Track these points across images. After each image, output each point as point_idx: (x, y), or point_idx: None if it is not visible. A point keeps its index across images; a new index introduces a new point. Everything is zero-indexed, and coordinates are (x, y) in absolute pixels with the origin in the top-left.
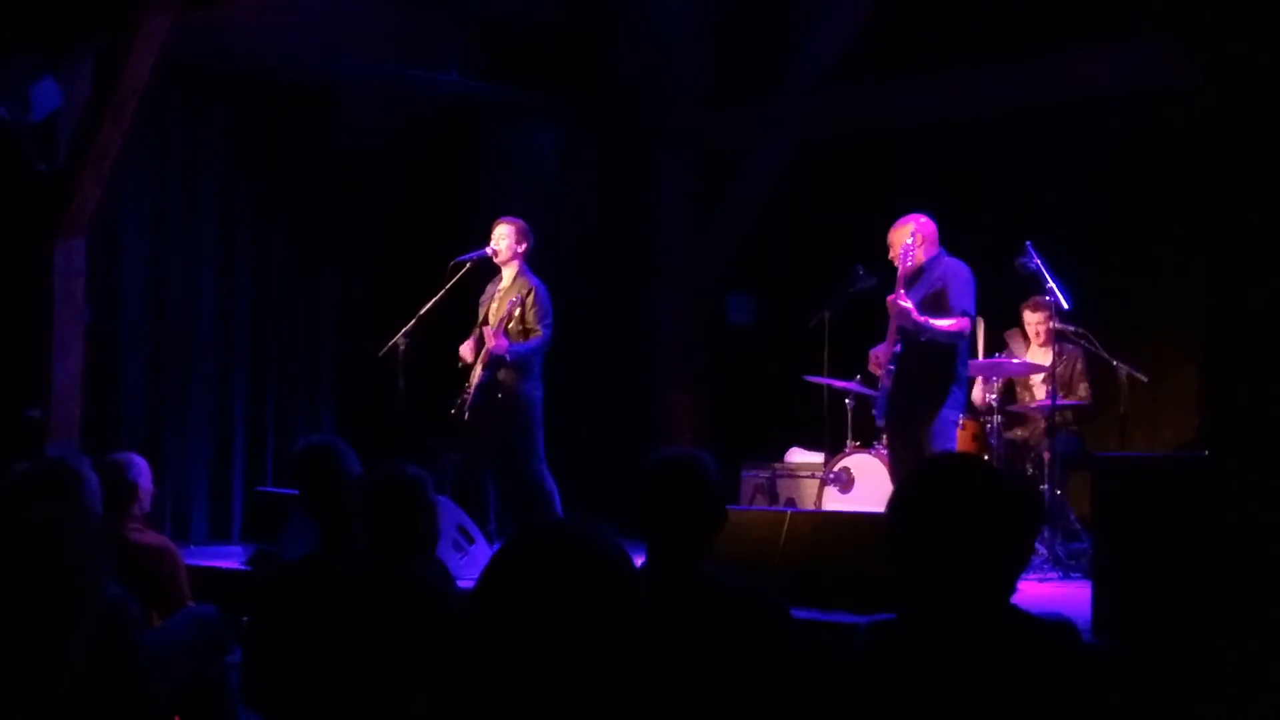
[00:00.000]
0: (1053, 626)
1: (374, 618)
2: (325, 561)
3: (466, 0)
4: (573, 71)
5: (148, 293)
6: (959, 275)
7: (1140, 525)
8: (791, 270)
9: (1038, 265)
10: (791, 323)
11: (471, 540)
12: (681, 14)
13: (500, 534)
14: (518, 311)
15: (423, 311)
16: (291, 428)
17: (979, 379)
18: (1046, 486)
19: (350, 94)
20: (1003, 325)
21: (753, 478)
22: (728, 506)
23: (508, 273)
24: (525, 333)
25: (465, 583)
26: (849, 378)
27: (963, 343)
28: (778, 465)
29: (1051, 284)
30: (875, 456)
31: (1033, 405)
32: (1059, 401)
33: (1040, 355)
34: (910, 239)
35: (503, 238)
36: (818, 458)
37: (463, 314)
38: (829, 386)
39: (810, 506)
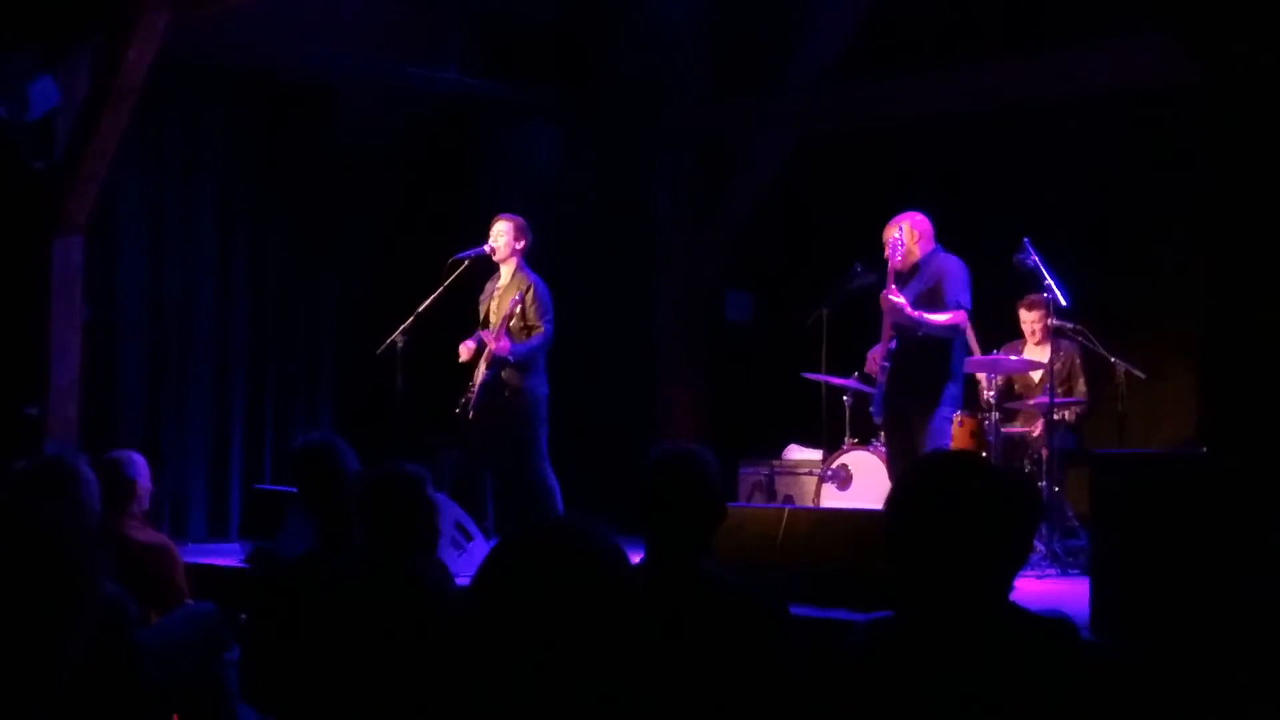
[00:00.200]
0: (1051, 623)
1: (372, 615)
2: (324, 559)
3: None
4: (572, 70)
5: (146, 291)
6: (954, 269)
7: (1138, 522)
8: (790, 268)
9: (1035, 262)
10: (790, 320)
11: (470, 538)
12: (680, 12)
13: (498, 532)
14: (519, 309)
15: (421, 309)
16: (290, 425)
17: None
18: (1044, 483)
19: (349, 92)
20: (1001, 322)
21: (751, 475)
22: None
23: (506, 270)
24: (527, 330)
25: (463, 580)
26: (847, 375)
27: (959, 339)
28: (776, 462)
29: (1049, 280)
30: (873, 453)
31: (1030, 402)
32: (1057, 399)
33: (1037, 353)
34: (898, 232)
35: (501, 234)
36: (816, 455)
37: (461, 312)
38: (827, 383)
39: (808, 504)
